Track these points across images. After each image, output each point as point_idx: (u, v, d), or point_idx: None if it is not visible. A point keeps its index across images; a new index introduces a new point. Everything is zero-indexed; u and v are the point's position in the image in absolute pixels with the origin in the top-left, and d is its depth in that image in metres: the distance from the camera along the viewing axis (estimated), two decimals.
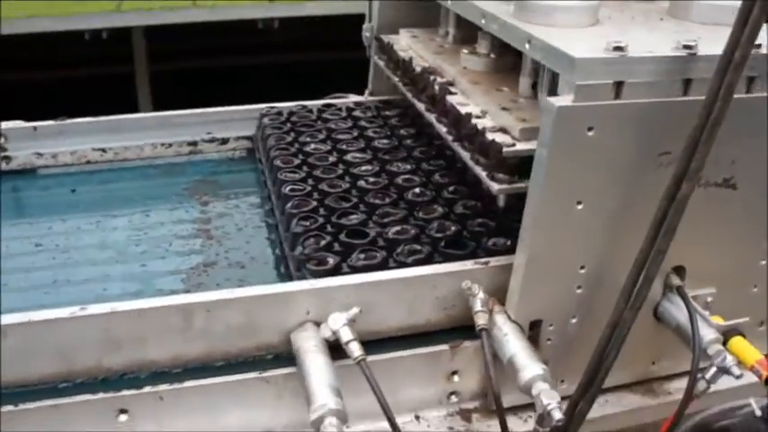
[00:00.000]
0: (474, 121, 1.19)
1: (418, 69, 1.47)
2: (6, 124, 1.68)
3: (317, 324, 1.08)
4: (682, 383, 1.24)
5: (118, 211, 1.60)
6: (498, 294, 1.13)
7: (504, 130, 1.15)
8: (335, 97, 1.98)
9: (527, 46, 1.06)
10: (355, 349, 1.02)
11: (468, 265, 1.13)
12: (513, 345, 1.05)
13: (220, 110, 1.85)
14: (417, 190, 1.41)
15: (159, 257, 1.44)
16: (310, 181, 1.46)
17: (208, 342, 1.07)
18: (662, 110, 0.98)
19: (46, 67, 4.18)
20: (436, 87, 1.36)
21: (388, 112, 1.79)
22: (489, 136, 1.14)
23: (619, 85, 0.95)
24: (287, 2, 4.18)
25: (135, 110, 4.77)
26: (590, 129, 0.97)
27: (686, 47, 0.97)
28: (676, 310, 1.13)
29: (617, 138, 0.99)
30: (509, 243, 1.21)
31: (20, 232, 1.51)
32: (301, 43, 4.95)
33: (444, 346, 1.14)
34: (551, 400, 0.97)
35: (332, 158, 1.54)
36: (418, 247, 1.21)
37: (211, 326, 1.05)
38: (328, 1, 4.26)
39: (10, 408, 1.01)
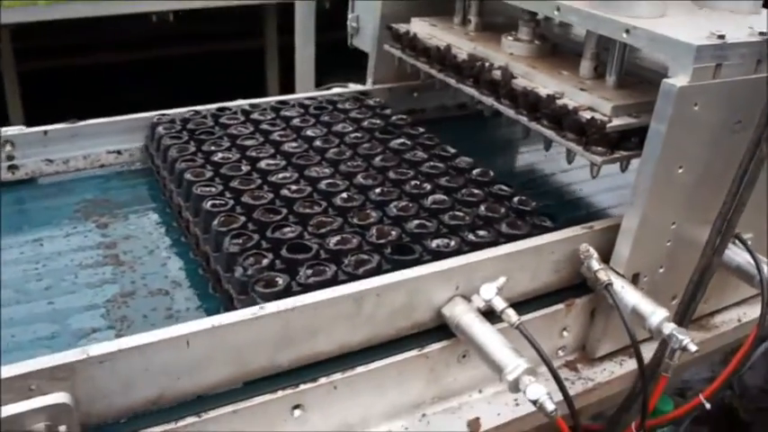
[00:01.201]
0: (559, 101, 1.32)
1: (462, 56, 1.57)
2: (12, 130, 1.51)
3: (464, 297, 1.16)
4: (723, 317, 1.49)
5: (2, 240, 1.41)
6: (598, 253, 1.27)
7: (592, 109, 1.30)
8: (332, 86, 1.99)
9: (624, 35, 1.21)
10: (512, 314, 1.11)
11: (578, 230, 1.26)
12: (632, 295, 1.20)
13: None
14: (345, 195, 1.36)
15: (68, 292, 1.29)
16: (229, 194, 1.36)
17: (372, 327, 1.10)
18: (740, 86, 1.18)
19: None
20: (496, 72, 1.47)
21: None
22: (584, 114, 1.27)
23: (718, 67, 1.14)
24: None
25: (4, 112, 4.32)
26: (695, 104, 1.14)
27: (762, 33, 1.17)
28: (733, 254, 1.34)
29: (711, 110, 1.17)
30: (452, 243, 1.23)
31: None
32: (187, 36, 4.76)
33: (560, 306, 1.26)
34: (685, 337, 1.13)
35: (244, 167, 1.45)
36: (365, 257, 1.18)
37: (378, 310, 1.09)
38: None
39: (193, 419, 0.98)
